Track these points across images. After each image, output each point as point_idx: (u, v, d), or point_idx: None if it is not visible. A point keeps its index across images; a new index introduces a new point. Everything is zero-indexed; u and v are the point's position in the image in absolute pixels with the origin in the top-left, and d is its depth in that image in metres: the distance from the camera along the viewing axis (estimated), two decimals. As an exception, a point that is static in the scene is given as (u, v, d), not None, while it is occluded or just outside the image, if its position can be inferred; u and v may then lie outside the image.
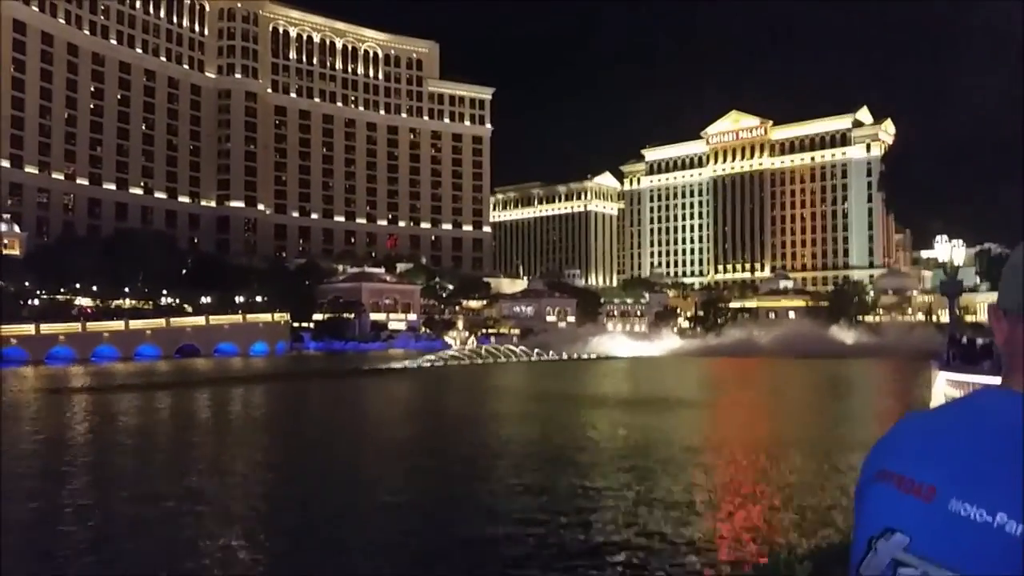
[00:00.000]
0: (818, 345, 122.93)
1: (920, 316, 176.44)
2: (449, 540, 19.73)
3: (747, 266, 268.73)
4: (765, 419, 43.84)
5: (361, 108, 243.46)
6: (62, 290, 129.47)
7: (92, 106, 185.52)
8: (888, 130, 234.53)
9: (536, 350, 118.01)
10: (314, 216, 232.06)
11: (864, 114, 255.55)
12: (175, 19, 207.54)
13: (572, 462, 30.07)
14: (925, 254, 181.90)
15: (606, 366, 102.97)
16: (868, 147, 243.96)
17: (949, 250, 51.07)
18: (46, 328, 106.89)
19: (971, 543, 1.26)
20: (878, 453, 1.53)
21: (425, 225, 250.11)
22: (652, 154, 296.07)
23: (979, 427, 1.41)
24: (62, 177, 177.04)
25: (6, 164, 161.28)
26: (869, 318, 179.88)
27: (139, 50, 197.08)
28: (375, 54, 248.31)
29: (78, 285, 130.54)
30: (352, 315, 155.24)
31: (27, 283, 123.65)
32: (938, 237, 53.93)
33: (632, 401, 54.40)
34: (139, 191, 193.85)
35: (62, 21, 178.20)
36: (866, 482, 1.51)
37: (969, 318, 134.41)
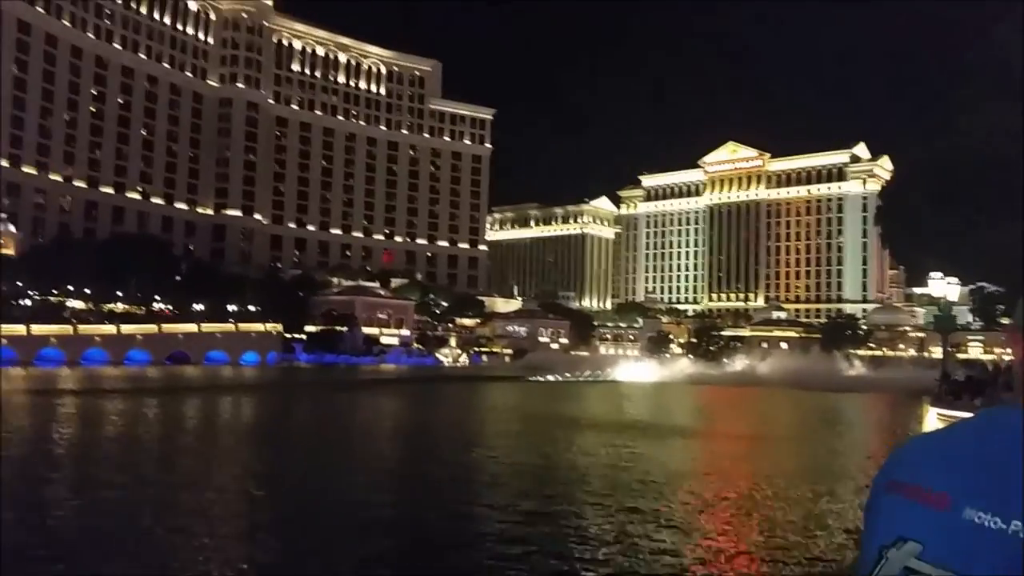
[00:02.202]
0: (815, 378, 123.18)
1: (912, 352, 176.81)
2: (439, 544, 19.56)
3: (741, 295, 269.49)
4: (762, 447, 43.77)
5: (362, 123, 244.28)
6: (55, 292, 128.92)
7: (93, 109, 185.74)
8: (885, 166, 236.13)
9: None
10: (311, 228, 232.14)
11: (861, 149, 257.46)
12: (180, 26, 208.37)
13: (569, 481, 29.94)
14: (919, 290, 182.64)
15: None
16: (864, 182, 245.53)
17: (943, 287, 51.24)
18: (37, 329, 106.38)
19: (985, 550, 1.28)
20: (891, 465, 1.54)
21: (421, 241, 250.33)
22: (649, 180, 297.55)
23: (994, 439, 1.43)
24: (60, 179, 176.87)
25: (4, 164, 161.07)
26: (861, 352, 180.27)
27: (143, 55, 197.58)
28: (378, 70, 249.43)
29: (71, 287, 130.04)
30: (345, 328, 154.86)
31: (20, 283, 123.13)
32: (932, 274, 54.12)
33: (642, 425, 54.31)
34: (137, 196, 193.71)
35: (67, 23, 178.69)
36: (878, 493, 1.51)
37: (961, 355, 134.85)
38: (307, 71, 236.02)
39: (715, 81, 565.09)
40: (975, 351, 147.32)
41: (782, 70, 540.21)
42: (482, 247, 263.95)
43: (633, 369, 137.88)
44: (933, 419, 37.97)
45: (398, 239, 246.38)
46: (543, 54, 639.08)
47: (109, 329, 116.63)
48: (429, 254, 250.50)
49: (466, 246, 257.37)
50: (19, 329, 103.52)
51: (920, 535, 1.36)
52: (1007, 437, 1.41)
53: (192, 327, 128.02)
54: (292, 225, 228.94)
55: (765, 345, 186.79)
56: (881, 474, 1.54)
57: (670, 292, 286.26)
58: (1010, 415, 1.47)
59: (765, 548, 21.25)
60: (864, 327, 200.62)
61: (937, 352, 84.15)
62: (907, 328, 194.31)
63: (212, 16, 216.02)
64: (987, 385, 41.93)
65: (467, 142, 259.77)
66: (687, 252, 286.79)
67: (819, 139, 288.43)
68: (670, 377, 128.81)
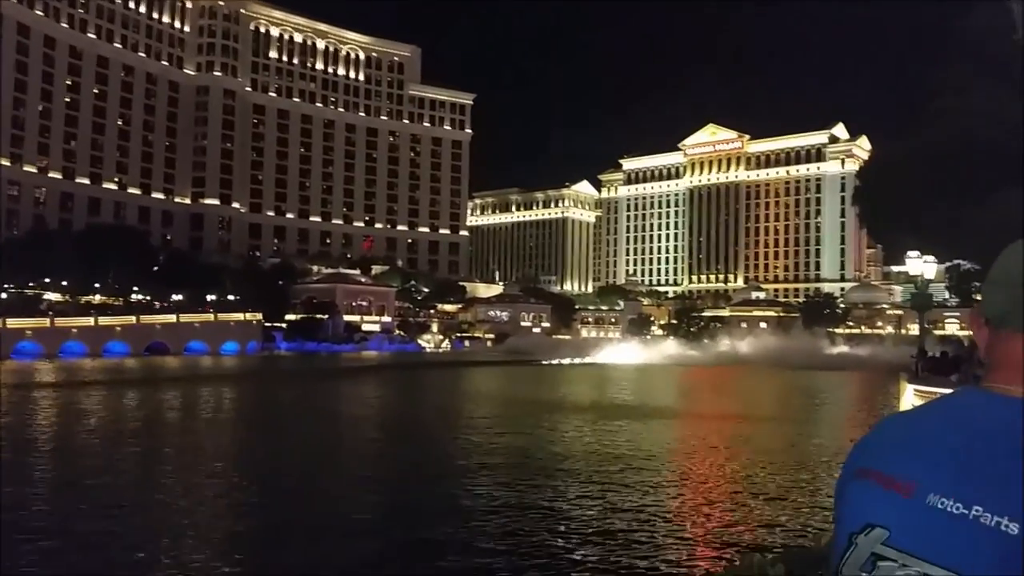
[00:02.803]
0: (796, 356, 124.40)
1: (890, 329, 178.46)
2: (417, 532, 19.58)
3: (721, 276, 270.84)
4: (742, 426, 44.09)
5: (341, 109, 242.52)
6: (31, 284, 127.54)
7: (68, 99, 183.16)
8: (863, 146, 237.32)
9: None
10: (290, 216, 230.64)
11: (840, 130, 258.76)
12: (156, 15, 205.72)
13: (549, 465, 30.04)
14: (896, 269, 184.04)
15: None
16: (843, 162, 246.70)
17: (920, 265, 51.54)
18: (13, 323, 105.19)
19: (948, 536, 1.30)
20: (859, 452, 1.56)
21: (402, 228, 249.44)
22: (630, 163, 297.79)
23: (958, 424, 1.44)
24: (35, 170, 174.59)
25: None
26: (840, 330, 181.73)
27: (117, 44, 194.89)
28: (356, 56, 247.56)
29: (47, 280, 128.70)
30: (326, 316, 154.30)
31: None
32: (909, 252, 54.41)
33: (622, 407, 54.53)
34: (113, 186, 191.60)
35: (39, 13, 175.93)
36: (846, 480, 1.54)
37: (938, 332, 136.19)
38: (285, 58, 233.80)
39: (695, 63, 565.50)
40: (952, 327, 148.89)
41: (762, 51, 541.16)
42: (463, 233, 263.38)
43: (617, 351, 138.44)
44: (910, 396, 38.28)
45: (378, 226, 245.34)
46: (522, 39, 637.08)
47: (86, 321, 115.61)
48: (410, 240, 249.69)
49: (447, 232, 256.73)
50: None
51: (886, 521, 1.39)
52: (971, 421, 1.44)
53: (171, 318, 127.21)
54: (271, 213, 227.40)
55: (744, 325, 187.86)
56: (849, 461, 1.56)
57: (651, 275, 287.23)
58: (976, 398, 1.49)
59: (745, 524, 21.45)
60: (842, 305, 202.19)
61: (914, 329, 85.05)
62: (885, 306, 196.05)
63: (188, 4, 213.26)
64: (963, 361, 42.37)
65: (447, 127, 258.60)
66: (667, 235, 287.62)
67: (798, 120, 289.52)
68: (653, 359, 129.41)
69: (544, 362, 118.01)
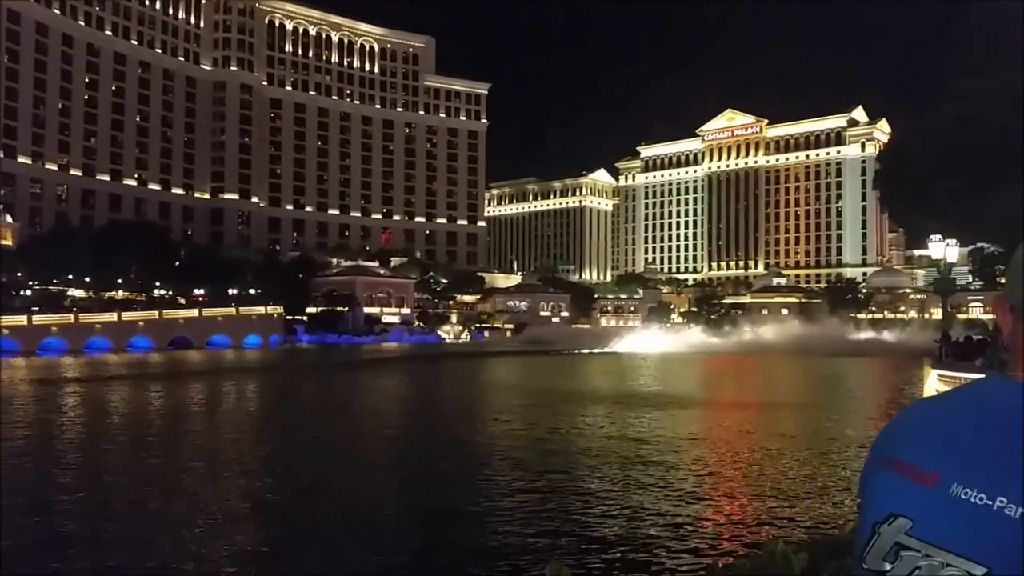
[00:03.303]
0: (821, 343, 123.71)
1: (913, 314, 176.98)
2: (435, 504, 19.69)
3: (741, 263, 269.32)
4: (768, 414, 43.93)
5: (356, 102, 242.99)
6: (55, 281, 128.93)
7: (86, 97, 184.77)
8: (883, 129, 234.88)
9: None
10: (308, 209, 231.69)
11: (860, 113, 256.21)
12: (171, 11, 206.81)
13: (570, 451, 30.11)
14: (919, 253, 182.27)
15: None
16: (863, 146, 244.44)
17: (943, 249, 51.07)
18: (38, 319, 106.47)
19: (971, 526, 1.30)
20: (882, 442, 1.56)
21: (420, 219, 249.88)
22: (648, 151, 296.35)
23: (982, 414, 1.43)
24: (55, 168, 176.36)
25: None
26: (862, 316, 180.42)
27: (134, 41, 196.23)
28: (371, 48, 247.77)
29: (71, 276, 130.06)
30: (346, 308, 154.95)
31: (19, 274, 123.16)
32: (932, 236, 53.91)
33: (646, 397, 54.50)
34: (133, 182, 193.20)
35: (57, 11, 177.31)
36: (871, 470, 1.53)
37: (962, 316, 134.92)
38: (300, 52, 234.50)
39: (713, 49, 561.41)
40: (975, 311, 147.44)
41: (781, 35, 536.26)
42: (481, 223, 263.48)
43: (638, 340, 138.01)
44: (934, 381, 38.00)
45: (396, 218, 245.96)
46: (537, 28, 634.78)
47: (110, 317, 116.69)
48: (428, 232, 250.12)
49: (465, 223, 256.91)
50: (20, 319, 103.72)
51: (909, 511, 1.39)
52: (995, 410, 1.43)
53: (193, 312, 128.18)
54: (289, 207, 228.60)
55: (766, 312, 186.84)
56: (874, 451, 1.56)
57: (670, 262, 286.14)
58: (1000, 387, 1.48)
59: (771, 514, 21.39)
60: (864, 291, 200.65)
61: (937, 314, 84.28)
62: (907, 290, 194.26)
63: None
64: (987, 345, 42.00)
65: (463, 118, 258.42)
66: (686, 222, 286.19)
67: (817, 104, 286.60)
68: (675, 347, 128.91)
69: (564, 352, 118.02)
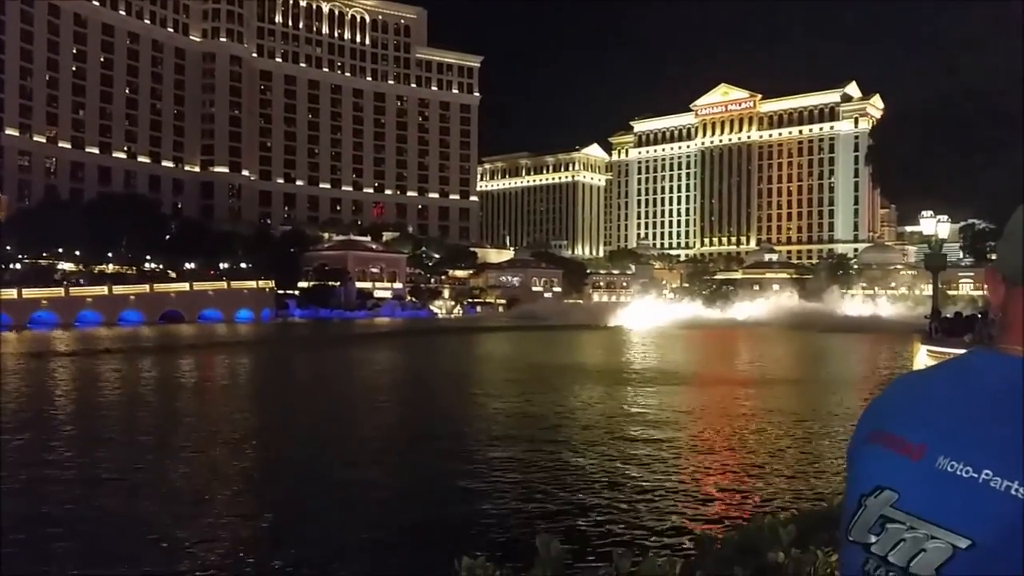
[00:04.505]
0: (811, 318, 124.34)
1: (904, 290, 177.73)
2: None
3: (733, 238, 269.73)
4: (752, 387, 44.15)
5: (348, 74, 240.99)
6: (44, 255, 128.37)
7: (75, 68, 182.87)
8: (876, 104, 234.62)
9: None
10: (299, 183, 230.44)
11: (853, 88, 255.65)
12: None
13: (557, 425, 30.26)
14: (910, 229, 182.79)
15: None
16: (856, 121, 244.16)
17: (934, 225, 51.20)
18: (28, 293, 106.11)
19: (957, 499, 1.29)
20: (871, 414, 1.56)
21: (412, 193, 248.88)
22: (641, 126, 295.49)
23: (969, 387, 1.43)
24: (44, 140, 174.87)
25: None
26: (854, 291, 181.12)
27: (122, 12, 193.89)
28: (362, 19, 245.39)
29: (61, 250, 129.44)
30: (338, 283, 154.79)
31: (8, 247, 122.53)
32: (923, 212, 54.01)
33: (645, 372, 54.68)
34: (122, 155, 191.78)
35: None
36: (859, 443, 1.53)
37: (952, 292, 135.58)
38: (290, 23, 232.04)
39: (708, 22, 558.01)
40: (966, 288, 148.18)
41: (775, 9, 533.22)
42: (473, 198, 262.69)
43: (631, 315, 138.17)
44: (924, 357, 38.28)
45: (388, 192, 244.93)
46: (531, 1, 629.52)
47: (101, 290, 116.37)
48: (420, 206, 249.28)
49: (457, 197, 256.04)
50: (10, 293, 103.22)
51: (895, 483, 1.39)
52: (982, 383, 1.42)
53: (184, 286, 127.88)
54: (280, 180, 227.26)
55: (757, 287, 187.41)
56: (861, 423, 1.56)
57: (662, 238, 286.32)
58: (988, 360, 1.48)
59: (760, 488, 21.57)
60: (856, 267, 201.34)
61: (928, 290, 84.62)
62: (898, 266, 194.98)
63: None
64: (976, 321, 42.28)
65: (455, 91, 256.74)
66: (679, 197, 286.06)
67: (811, 79, 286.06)
68: (667, 322, 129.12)
69: (557, 326, 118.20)
